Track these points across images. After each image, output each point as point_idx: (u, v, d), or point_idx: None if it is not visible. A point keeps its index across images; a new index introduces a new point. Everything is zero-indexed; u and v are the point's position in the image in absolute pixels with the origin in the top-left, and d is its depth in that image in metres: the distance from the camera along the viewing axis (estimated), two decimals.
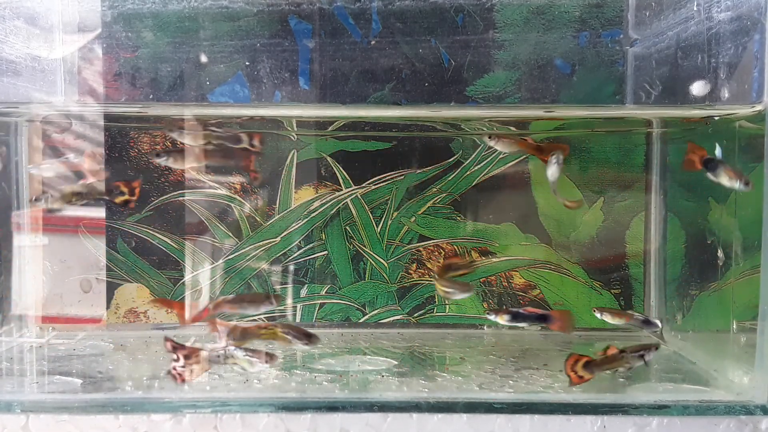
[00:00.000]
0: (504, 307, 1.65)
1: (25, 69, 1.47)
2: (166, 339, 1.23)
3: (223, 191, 1.71)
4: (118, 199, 1.40)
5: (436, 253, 1.75)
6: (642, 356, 1.30)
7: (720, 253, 1.43)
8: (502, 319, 1.34)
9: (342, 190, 1.72)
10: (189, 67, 1.56)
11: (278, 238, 1.73)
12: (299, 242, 1.73)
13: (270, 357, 1.23)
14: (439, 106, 1.62)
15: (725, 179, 1.28)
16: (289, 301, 1.74)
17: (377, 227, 1.74)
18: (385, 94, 1.60)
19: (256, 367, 1.24)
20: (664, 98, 1.52)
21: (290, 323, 1.31)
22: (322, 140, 1.71)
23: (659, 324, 1.53)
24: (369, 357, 1.51)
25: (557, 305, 1.74)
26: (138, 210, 1.70)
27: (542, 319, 1.38)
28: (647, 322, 1.52)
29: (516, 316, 1.33)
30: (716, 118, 1.38)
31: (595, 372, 1.27)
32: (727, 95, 1.33)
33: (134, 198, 1.40)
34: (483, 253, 1.73)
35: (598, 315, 1.50)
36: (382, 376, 1.38)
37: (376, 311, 1.75)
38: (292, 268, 1.73)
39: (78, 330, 1.68)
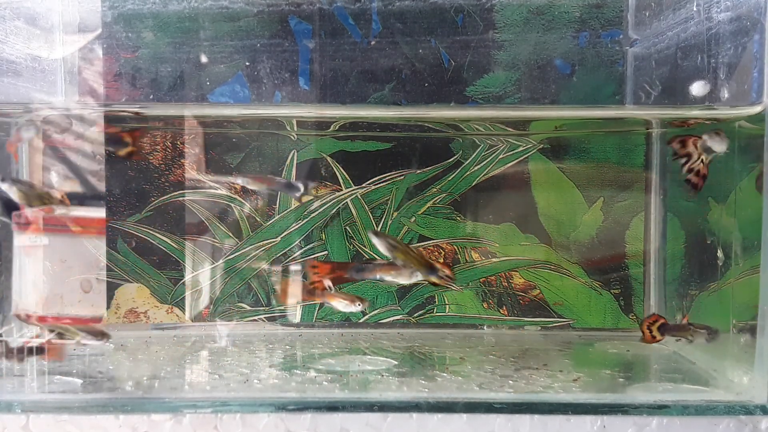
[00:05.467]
0: None
1: (25, 69, 1.47)
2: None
3: (223, 191, 1.71)
4: (122, 151, 1.40)
5: (436, 253, 1.75)
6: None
7: (720, 254, 1.43)
8: None
9: (342, 190, 1.72)
10: (189, 67, 1.56)
11: (278, 238, 1.73)
12: (299, 242, 1.73)
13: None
14: (439, 107, 1.62)
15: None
16: (291, 300, 1.74)
17: (377, 227, 1.74)
18: (385, 95, 1.60)
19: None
20: (663, 98, 1.52)
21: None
22: (323, 140, 1.71)
23: (301, 187, 1.53)
24: (369, 357, 1.51)
25: (557, 305, 1.74)
26: (138, 210, 1.70)
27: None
28: (289, 186, 1.53)
29: None
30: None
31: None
32: (726, 95, 1.33)
33: (137, 149, 1.40)
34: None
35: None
36: (382, 376, 1.38)
37: (376, 311, 1.75)
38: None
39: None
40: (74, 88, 1.55)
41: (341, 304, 1.33)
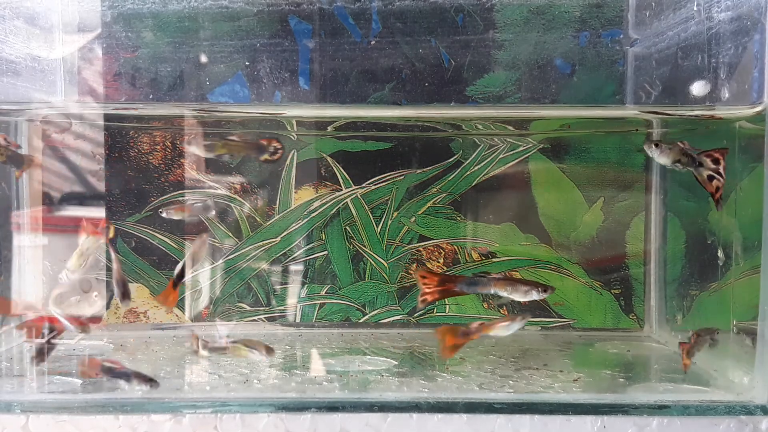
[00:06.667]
0: None
1: (25, 69, 1.47)
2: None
3: (223, 191, 1.71)
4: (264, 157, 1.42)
5: (437, 254, 1.74)
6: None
7: (720, 253, 1.43)
8: None
9: (342, 190, 1.72)
10: (189, 67, 1.56)
11: (278, 238, 1.72)
12: (299, 242, 1.73)
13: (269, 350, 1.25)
14: (439, 106, 1.62)
15: None
16: (292, 301, 1.74)
17: (377, 227, 1.73)
18: (385, 94, 1.60)
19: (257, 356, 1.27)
20: (664, 98, 1.52)
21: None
22: (323, 140, 1.71)
23: (211, 206, 1.60)
24: (369, 357, 1.51)
25: (557, 305, 1.74)
26: (138, 210, 1.70)
27: None
28: (206, 207, 1.62)
29: None
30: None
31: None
32: (727, 95, 1.33)
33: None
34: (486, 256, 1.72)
35: None
36: (382, 376, 1.38)
37: (376, 311, 1.74)
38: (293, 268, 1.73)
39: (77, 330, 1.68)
40: (74, 88, 1.54)
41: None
